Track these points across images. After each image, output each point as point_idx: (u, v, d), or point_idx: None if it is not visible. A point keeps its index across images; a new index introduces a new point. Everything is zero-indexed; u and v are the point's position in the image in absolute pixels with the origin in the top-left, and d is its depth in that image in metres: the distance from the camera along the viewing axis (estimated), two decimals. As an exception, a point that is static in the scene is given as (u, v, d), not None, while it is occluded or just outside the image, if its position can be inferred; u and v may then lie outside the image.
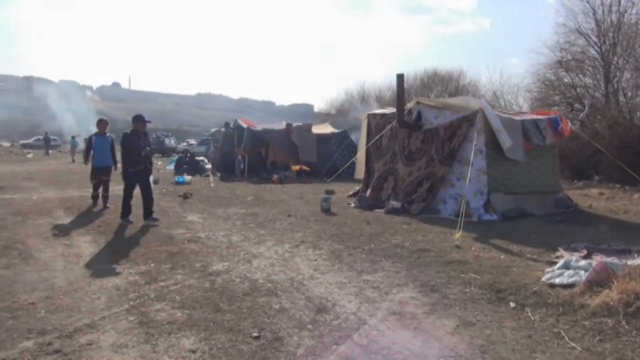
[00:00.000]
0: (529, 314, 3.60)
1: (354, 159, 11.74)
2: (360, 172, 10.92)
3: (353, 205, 9.43)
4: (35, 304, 3.71)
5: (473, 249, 5.75)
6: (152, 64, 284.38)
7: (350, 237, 6.40)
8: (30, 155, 33.38)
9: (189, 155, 19.00)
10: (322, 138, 17.44)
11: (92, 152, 8.84)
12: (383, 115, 10.42)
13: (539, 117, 9.47)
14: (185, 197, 10.23)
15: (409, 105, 9.62)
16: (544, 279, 4.29)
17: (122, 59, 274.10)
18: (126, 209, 7.34)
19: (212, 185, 13.15)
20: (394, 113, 9.75)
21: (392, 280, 4.50)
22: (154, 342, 3.09)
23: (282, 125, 17.61)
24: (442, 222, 7.55)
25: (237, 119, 18.57)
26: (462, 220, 6.64)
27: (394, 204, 8.61)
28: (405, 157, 9.27)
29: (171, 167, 18.84)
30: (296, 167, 16.49)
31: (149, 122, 7.64)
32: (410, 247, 5.76)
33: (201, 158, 19.43)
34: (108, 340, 3.11)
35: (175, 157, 22.16)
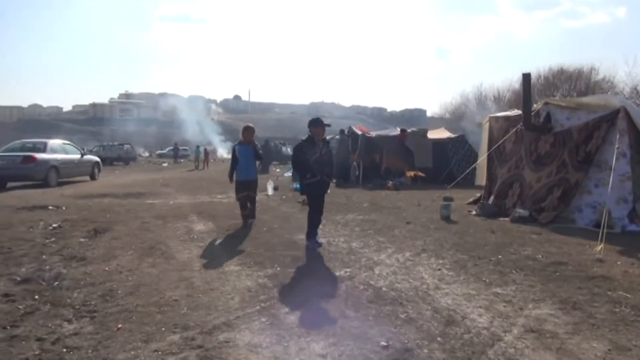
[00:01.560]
0: (699, 341, 3.12)
1: (475, 164, 11.22)
2: (481, 178, 10.42)
3: (474, 213, 9.01)
4: (178, 301, 4.05)
5: (619, 263, 5.17)
6: (269, 77, 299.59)
7: (474, 247, 6.11)
8: (165, 164, 36.88)
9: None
10: (437, 143, 16.97)
11: (236, 164, 7.88)
12: (507, 118, 9.85)
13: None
14: (304, 203, 10.53)
15: (536, 107, 8.97)
16: None
17: (242, 73, 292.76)
18: (311, 231, 6.35)
19: (329, 191, 13.40)
20: (519, 115, 9.17)
21: (526, 294, 4.19)
22: (285, 344, 3.19)
23: (396, 132, 17.46)
24: (578, 232, 6.90)
25: (351, 126, 18.79)
26: (604, 231, 6.00)
27: (521, 212, 8.06)
28: (533, 162, 8.64)
29: (289, 174, 19.59)
30: (411, 174, 16.22)
31: (329, 125, 6.63)
32: (544, 260, 5.34)
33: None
34: (244, 339, 3.28)
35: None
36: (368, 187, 14.95)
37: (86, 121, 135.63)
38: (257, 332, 3.38)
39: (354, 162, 16.41)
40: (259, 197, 10.86)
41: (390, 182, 14.59)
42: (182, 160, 42.44)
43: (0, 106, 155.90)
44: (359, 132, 17.12)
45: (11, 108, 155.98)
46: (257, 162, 8.26)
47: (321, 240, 6.40)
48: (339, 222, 8.24)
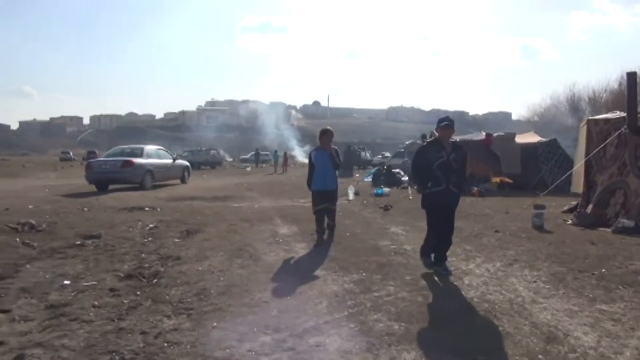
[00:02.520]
0: None
1: (572, 170, 10.50)
2: (578, 185, 9.71)
3: (570, 222, 8.43)
4: (268, 303, 4.15)
5: None
6: (348, 82, 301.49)
7: (572, 259, 5.70)
8: (248, 169, 38.24)
9: (385, 167, 19.44)
10: (526, 148, 16.08)
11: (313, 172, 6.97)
12: (607, 120, 9.12)
13: None
14: (385, 208, 10.44)
15: (642, 108, 8.23)
16: None
17: (322, 79, 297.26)
18: (429, 248, 5.35)
19: (410, 197, 13.18)
20: (622, 117, 8.46)
21: (637, 313, 3.83)
22: (375, 352, 3.15)
23: (481, 136, 16.81)
24: (695, 246, 6.21)
25: (432, 130, 18.35)
26: None
27: (625, 222, 7.41)
28: (639, 169, 7.93)
29: (368, 179, 19.53)
30: (497, 180, 15.50)
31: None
32: (656, 276, 4.85)
33: (397, 170, 19.69)
34: (333, 344, 3.28)
35: (372, 169, 22.91)
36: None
37: (175, 127, 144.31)
38: (346, 338, 3.37)
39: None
40: (339, 201, 10.89)
41: (475, 189, 14.04)
42: (263, 165, 43.78)
43: (102, 115, 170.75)
44: (442, 137, 16.66)
45: (111, 116, 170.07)
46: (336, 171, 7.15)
47: (451, 267, 5.21)
48: (422, 229, 7.96)
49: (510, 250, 6.22)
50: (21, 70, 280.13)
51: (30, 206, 10.37)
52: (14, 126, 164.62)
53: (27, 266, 5.36)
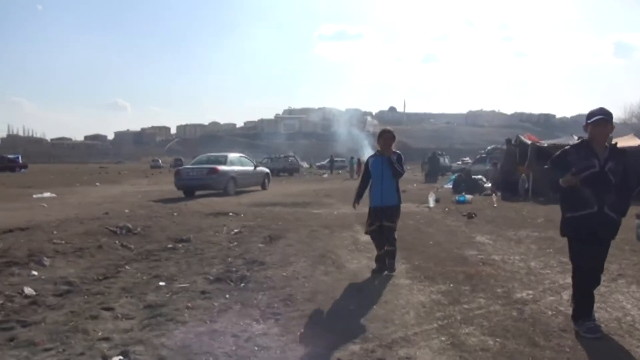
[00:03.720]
0: None
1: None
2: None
3: (681, 234, 7.60)
4: (354, 311, 4.10)
5: None
6: (424, 87, 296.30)
7: (688, 275, 5.13)
8: (325, 175, 38.59)
9: (466, 174, 18.79)
10: (627, 152, 14.81)
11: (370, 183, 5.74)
12: None
13: None
14: (469, 216, 10.06)
15: None
16: None
17: (398, 85, 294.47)
18: (582, 302, 3.68)
19: (495, 205, 12.61)
20: None
21: None
22: (470, 368, 3.00)
23: (573, 140, 15.74)
24: None
25: (518, 135, 17.50)
26: None
27: None
28: None
29: (448, 185, 18.96)
30: (592, 187, 14.42)
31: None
32: None
33: (479, 176, 18.95)
34: (424, 357, 3.17)
35: (452, 175, 22.23)
36: (539, 201, 13.67)
37: (254, 135, 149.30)
38: (438, 351, 3.24)
39: (523, 174, 15.20)
40: (419, 208, 10.70)
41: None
42: (340, 171, 43.99)
43: (187, 124, 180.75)
44: (528, 142, 15.83)
45: (195, 126, 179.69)
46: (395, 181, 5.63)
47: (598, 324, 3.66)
48: (511, 238, 7.65)
49: (614, 265, 5.71)
50: (116, 85, 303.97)
51: (126, 210, 11.12)
52: (110, 136, 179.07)
53: (127, 267, 5.73)
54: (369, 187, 5.75)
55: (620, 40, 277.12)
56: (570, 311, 3.81)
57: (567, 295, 4.51)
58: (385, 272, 5.42)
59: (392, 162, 5.48)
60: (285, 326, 3.77)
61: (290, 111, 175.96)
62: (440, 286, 4.88)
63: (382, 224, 5.50)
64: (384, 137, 5.58)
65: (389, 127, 5.94)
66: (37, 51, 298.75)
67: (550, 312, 4.02)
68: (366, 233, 5.87)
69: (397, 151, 5.64)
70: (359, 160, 35.39)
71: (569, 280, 5.01)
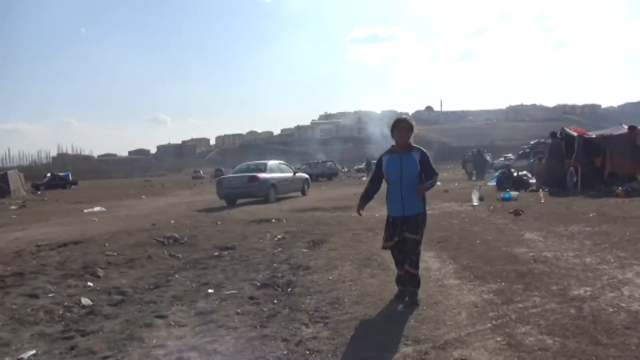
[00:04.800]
0: None
1: None
2: None
3: None
4: (404, 313, 4.04)
5: None
6: (461, 84, 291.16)
7: None
8: (364, 179, 38.41)
9: (510, 170, 18.28)
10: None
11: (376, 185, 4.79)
12: None
13: None
14: (516, 213, 9.75)
15: None
16: None
17: (434, 84, 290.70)
18: None
19: (542, 201, 12.18)
20: None
21: None
22: (529, 369, 2.89)
23: (622, 129, 15.06)
24: None
25: (564, 127, 16.90)
26: None
27: None
28: None
29: (492, 183, 18.49)
30: (646, 177, 13.77)
31: None
32: None
33: (524, 172, 18.40)
34: (480, 357, 3.08)
35: (495, 173, 21.68)
36: (590, 194, 13.12)
37: (292, 142, 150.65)
38: (494, 352, 3.14)
39: (571, 168, 14.65)
40: (462, 207, 10.49)
41: (620, 188, 12.57)
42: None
43: (226, 135, 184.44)
44: (575, 134, 15.25)
45: (234, 136, 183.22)
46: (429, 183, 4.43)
47: None
48: (562, 234, 7.37)
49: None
50: (155, 100, 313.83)
51: (172, 221, 11.39)
52: (153, 150, 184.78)
53: (176, 276, 5.86)
54: (381, 193, 4.73)
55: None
56: (633, 307, 3.62)
57: (627, 291, 4.30)
58: (407, 299, 4.33)
59: (420, 161, 4.37)
60: (334, 329, 3.75)
61: (326, 116, 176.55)
62: (492, 285, 4.74)
63: (404, 237, 4.38)
64: (399, 128, 4.42)
65: (404, 116, 4.75)
66: (81, 72, 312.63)
67: (611, 309, 3.83)
68: (384, 248, 4.69)
69: (419, 147, 4.48)
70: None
71: (629, 275, 4.83)
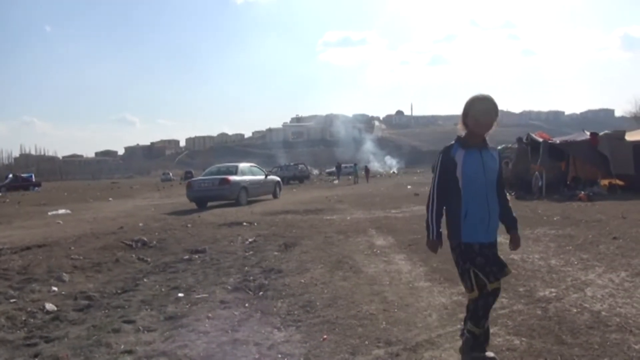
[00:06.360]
0: None
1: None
2: None
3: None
4: (375, 315, 4.07)
5: None
6: (431, 89, 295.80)
7: None
8: (335, 182, 38.63)
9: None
10: (639, 146, 14.66)
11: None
12: None
13: None
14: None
15: None
16: None
17: (404, 88, 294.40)
18: None
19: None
20: None
21: None
22: (498, 369, 2.95)
23: (584, 136, 15.60)
24: None
25: (529, 133, 17.38)
26: None
27: None
28: None
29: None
30: (606, 182, 14.30)
31: None
32: None
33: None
34: (450, 359, 3.13)
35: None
36: (554, 198, 13.55)
37: (263, 145, 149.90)
38: (463, 352, 3.20)
39: (536, 172, 15.07)
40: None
41: (582, 193, 13.01)
42: (349, 177, 44.05)
43: (196, 137, 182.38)
44: (540, 139, 15.71)
45: (204, 138, 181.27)
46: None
47: None
48: (528, 237, 7.56)
49: (636, 259, 5.62)
50: (123, 100, 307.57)
51: (140, 224, 11.18)
52: (121, 152, 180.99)
53: (145, 280, 5.74)
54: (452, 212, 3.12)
55: (627, 33, 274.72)
56: (595, 307, 3.74)
57: (590, 291, 4.45)
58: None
59: (498, 165, 3.08)
60: (307, 333, 3.74)
61: (297, 119, 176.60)
62: (461, 287, 4.78)
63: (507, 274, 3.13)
64: (485, 109, 2.94)
65: (485, 93, 3.02)
66: (45, 71, 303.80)
67: (575, 310, 3.95)
68: (474, 300, 3.10)
69: (491, 145, 3.10)
70: (366, 167, 35.79)
71: (591, 276, 4.99)
